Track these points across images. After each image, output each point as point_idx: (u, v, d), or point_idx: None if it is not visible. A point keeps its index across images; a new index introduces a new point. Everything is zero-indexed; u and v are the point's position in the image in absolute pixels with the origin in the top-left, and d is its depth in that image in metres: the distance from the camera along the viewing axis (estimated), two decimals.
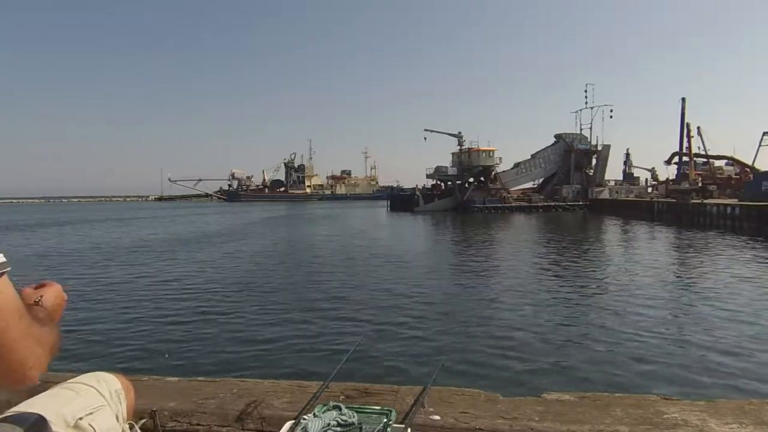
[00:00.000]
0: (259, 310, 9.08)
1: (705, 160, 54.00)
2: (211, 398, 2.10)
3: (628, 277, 12.52)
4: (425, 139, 60.95)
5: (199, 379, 2.38)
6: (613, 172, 70.98)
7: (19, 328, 0.75)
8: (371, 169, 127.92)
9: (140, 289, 11.17)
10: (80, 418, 1.09)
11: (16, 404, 1.07)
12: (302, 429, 1.55)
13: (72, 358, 6.24)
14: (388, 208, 59.32)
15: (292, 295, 10.44)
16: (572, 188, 57.76)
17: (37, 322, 0.81)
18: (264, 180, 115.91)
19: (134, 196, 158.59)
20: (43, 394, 1.15)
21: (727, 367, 5.95)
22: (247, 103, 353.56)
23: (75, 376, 1.29)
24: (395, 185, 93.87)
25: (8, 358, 0.74)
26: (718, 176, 52.11)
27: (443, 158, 72.18)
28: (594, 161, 61.24)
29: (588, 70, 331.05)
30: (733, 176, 51.24)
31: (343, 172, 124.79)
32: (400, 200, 60.12)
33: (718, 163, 55.02)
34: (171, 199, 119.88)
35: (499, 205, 53.75)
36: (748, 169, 48.69)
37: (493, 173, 58.15)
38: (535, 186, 62.80)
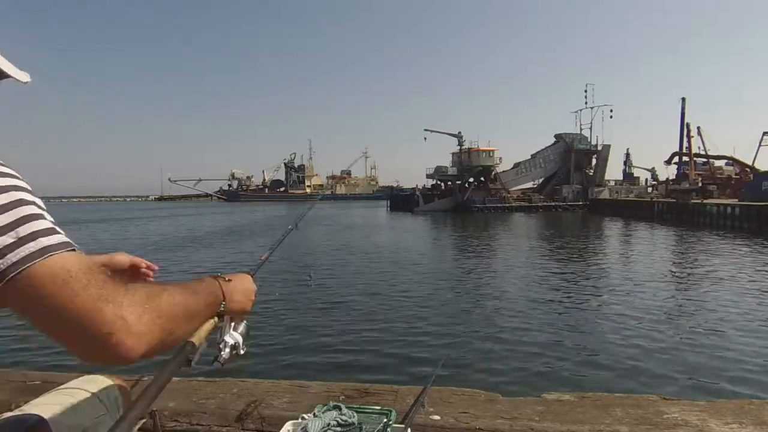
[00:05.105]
0: (257, 309, 9.08)
1: (705, 160, 54.02)
2: (211, 398, 2.10)
3: (628, 278, 12.52)
4: (425, 139, 60.95)
5: (199, 379, 2.38)
6: (613, 172, 71.07)
7: (89, 290, 0.61)
8: (371, 169, 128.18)
9: None
10: (84, 430, 1.03)
11: (17, 406, 1.05)
12: (302, 429, 1.55)
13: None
14: (388, 209, 59.25)
15: (291, 295, 10.42)
16: (572, 188, 57.76)
17: (124, 285, 0.65)
18: (264, 180, 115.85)
19: (134, 196, 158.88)
20: (39, 399, 1.08)
21: (728, 367, 5.95)
22: (247, 103, 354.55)
23: (71, 378, 1.21)
24: (395, 185, 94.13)
25: (86, 325, 0.60)
26: (718, 176, 52.13)
27: (443, 158, 72.15)
28: (594, 161, 61.29)
29: (588, 70, 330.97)
30: (733, 176, 51.25)
31: (343, 172, 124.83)
32: (400, 200, 60.10)
33: (718, 163, 55.06)
34: (171, 199, 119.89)
35: (499, 205, 53.73)
36: (748, 169, 48.69)
37: (493, 173, 58.17)
38: (535, 186, 62.86)
